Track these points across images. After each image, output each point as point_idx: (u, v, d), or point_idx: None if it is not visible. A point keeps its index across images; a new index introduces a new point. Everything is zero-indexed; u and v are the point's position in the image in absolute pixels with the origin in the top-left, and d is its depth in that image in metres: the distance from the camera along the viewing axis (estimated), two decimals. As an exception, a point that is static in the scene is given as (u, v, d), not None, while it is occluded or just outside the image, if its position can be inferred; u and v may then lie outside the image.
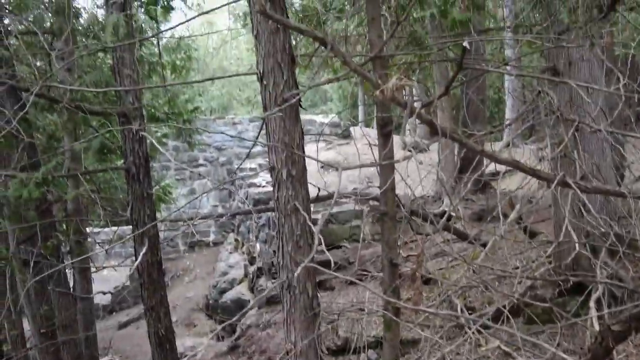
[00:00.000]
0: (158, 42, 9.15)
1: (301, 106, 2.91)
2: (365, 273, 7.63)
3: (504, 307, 4.79)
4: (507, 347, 5.67)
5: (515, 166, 2.46)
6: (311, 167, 13.68)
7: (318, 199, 7.15)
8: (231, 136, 4.66)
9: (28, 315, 5.58)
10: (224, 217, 13.55)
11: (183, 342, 11.12)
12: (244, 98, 27.81)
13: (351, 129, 19.24)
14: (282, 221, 2.92)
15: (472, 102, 10.83)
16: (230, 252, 14.81)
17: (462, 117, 11.16)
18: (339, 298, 8.96)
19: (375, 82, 2.23)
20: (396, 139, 17.92)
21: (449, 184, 10.75)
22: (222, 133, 4.02)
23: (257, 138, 4.08)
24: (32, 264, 5.14)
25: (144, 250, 4.70)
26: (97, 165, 5.81)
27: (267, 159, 12.76)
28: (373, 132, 18.77)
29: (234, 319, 6.02)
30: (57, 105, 4.32)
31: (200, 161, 17.61)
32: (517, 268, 7.15)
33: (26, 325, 8.28)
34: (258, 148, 18.13)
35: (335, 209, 11.23)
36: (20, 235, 5.40)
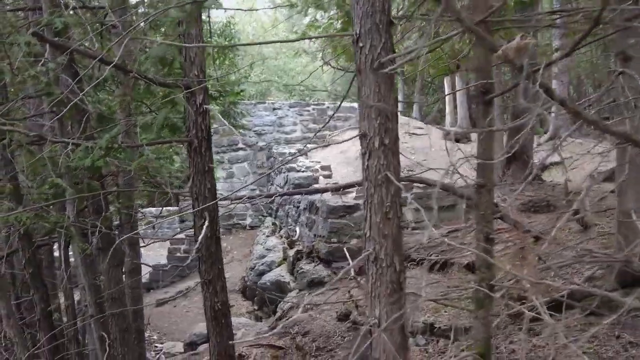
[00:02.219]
0: (209, 23, 9.14)
1: (397, 72, 2.81)
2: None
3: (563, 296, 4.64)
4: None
5: (629, 139, 2.32)
6: (350, 153, 13.40)
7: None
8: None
9: (86, 285, 5.62)
10: (289, 196, 13.44)
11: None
12: (282, 85, 27.82)
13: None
14: (371, 192, 2.82)
15: (526, 91, 10.57)
16: (268, 236, 14.84)
17: (513, 105, 10.98)
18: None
19: (493, 42, 2.11)
20: (437, 131, 17.66)
21: (496, 175, 10.56)
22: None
23: (342, 99, 3.98)
24: (96, 235, 5.17)
25: (206, 223, 4.67)
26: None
27: (304, 145, 12.64)
28: (413, 122, 18.50)
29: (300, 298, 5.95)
30: (128, 75, 4.29)
31: (240, 145, 17.65)
32: (582, 255, 6.98)
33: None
34: (297, 134, 18.11)
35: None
36: (79, 205, 5.43)
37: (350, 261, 7.00)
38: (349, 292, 8.82)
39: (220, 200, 5.22)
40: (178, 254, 16.30)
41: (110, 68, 3.83)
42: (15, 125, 5.02)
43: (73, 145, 4.39)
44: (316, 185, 12.85)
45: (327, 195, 11.44)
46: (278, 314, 10.19)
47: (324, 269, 10.31)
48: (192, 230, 16.04)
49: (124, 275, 7.25)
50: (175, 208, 17.40)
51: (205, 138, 5.08)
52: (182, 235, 15.86)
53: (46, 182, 4.67)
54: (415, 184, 11.02)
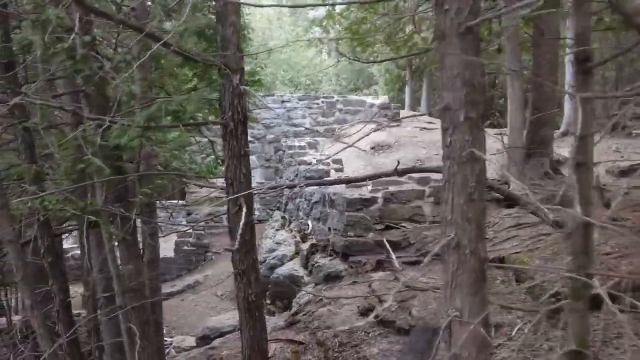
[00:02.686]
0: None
1: (480, 39, 2.57)
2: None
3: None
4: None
5: None
6: (359, 147, 13.06)
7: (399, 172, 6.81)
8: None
9: (114, 274, 5.38)
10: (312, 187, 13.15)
11: (233, 315, 10.94)
12: (287, 79, 27.62)
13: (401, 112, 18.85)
14: (453, 170, 2.58)
15: (543, 84, 10.32)
16: (277, 229, 14.59)
17: (533, 98, 10.74)
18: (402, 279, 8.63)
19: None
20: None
21: (516, 168, 10.32)
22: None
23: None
24: (127, 222, 4.94)
25: (244, 209, 4.44)
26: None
27: (313, 138, 12.31)
28: (422, 117, 18.27)
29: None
30: (168, 49, 4.05)
31: (248, 138, 17.38)
32: (608, 254, 6.80)
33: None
34: (306, 126, 17.86)
35: (394, 188, 10.92)
36: (108, 189, 5.18)
37: (391, 252, 6.76)
38: (369, 286, 8.61)
39: (257, 192, 4.99)
40: (185, 247, 16.08)
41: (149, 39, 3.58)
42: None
43: (110, 123, 4.14)
44: (329, 178, 12.62)
45: (342, 188, 11.22)
46: (294, 308, 9.96)
47: (340, 262, 10.08)
48: (199, 223, 15.62)
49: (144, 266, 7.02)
50: (182, 202, 17.16)
51: (241, 121, 4.85)
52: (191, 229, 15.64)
53: (78, 162, 4.42)
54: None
